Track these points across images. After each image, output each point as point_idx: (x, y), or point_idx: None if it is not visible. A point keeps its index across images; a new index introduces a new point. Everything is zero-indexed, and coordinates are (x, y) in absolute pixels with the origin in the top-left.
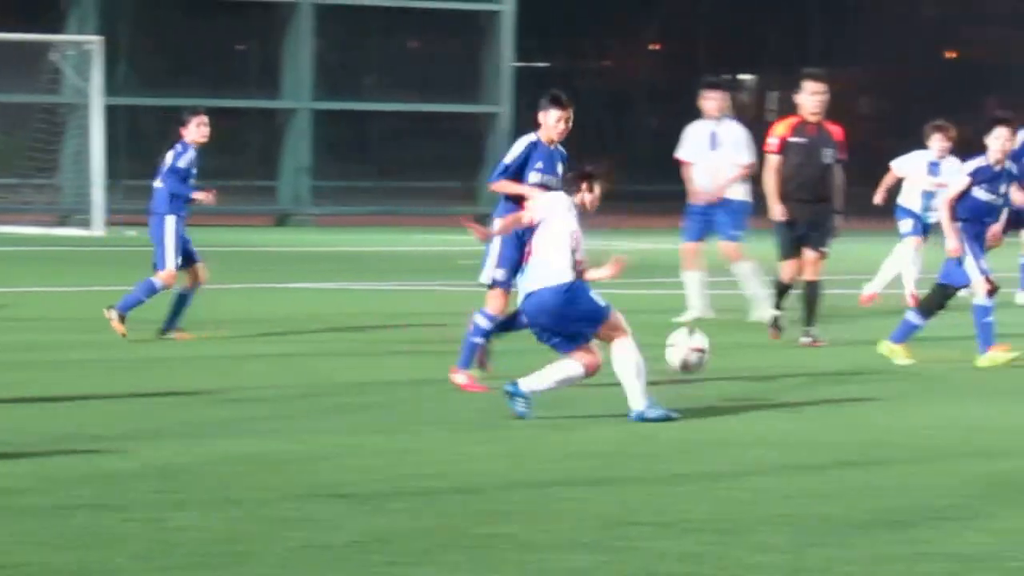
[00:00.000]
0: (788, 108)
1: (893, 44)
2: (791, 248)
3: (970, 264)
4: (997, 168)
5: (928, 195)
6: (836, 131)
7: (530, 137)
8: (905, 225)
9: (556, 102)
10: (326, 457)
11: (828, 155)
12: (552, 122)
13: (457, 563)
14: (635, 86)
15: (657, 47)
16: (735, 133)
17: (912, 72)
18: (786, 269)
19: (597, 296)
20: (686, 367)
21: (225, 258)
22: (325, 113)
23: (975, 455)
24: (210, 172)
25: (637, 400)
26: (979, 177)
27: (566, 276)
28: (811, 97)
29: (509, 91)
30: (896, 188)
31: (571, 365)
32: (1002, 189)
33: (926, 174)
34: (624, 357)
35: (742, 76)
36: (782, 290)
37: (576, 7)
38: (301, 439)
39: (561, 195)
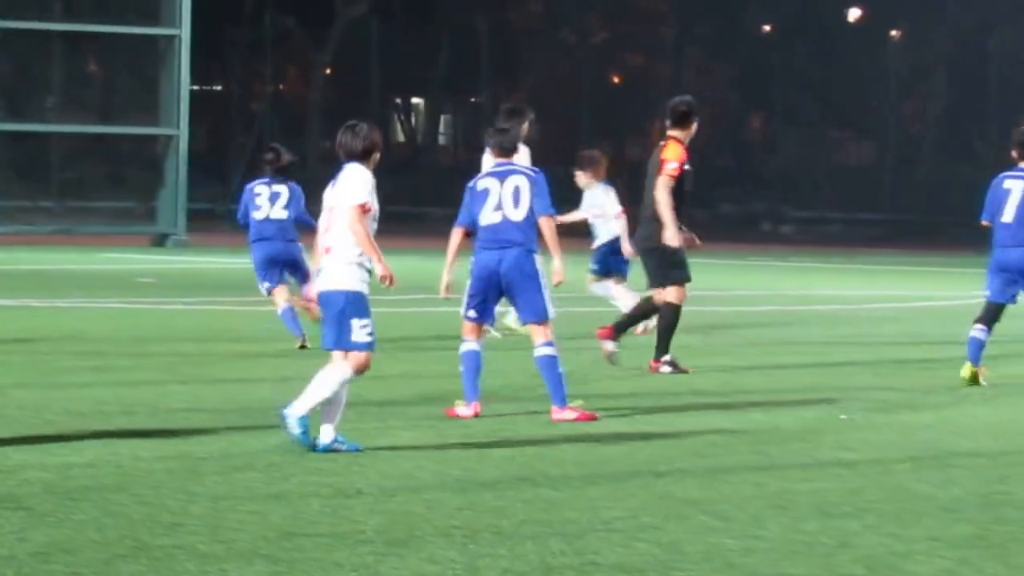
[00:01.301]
0: (463, 131)
1: (563, 69)
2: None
3: None
4: None
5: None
6: None
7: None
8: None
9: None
10: (9, 469)
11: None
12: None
13: (139, 573)
14: (309, 109)
15: (330, 72)
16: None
17: (582, 96)
18: (680, 292)
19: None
20: None
21: None
22: (6, 134)
23: (643, 468)
24: None
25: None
26: None
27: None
28: (693, 127)
29: (186, 114)
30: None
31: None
32: None
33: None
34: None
35: (414, 100)
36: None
37: (252, 32)
38: None
39: None
